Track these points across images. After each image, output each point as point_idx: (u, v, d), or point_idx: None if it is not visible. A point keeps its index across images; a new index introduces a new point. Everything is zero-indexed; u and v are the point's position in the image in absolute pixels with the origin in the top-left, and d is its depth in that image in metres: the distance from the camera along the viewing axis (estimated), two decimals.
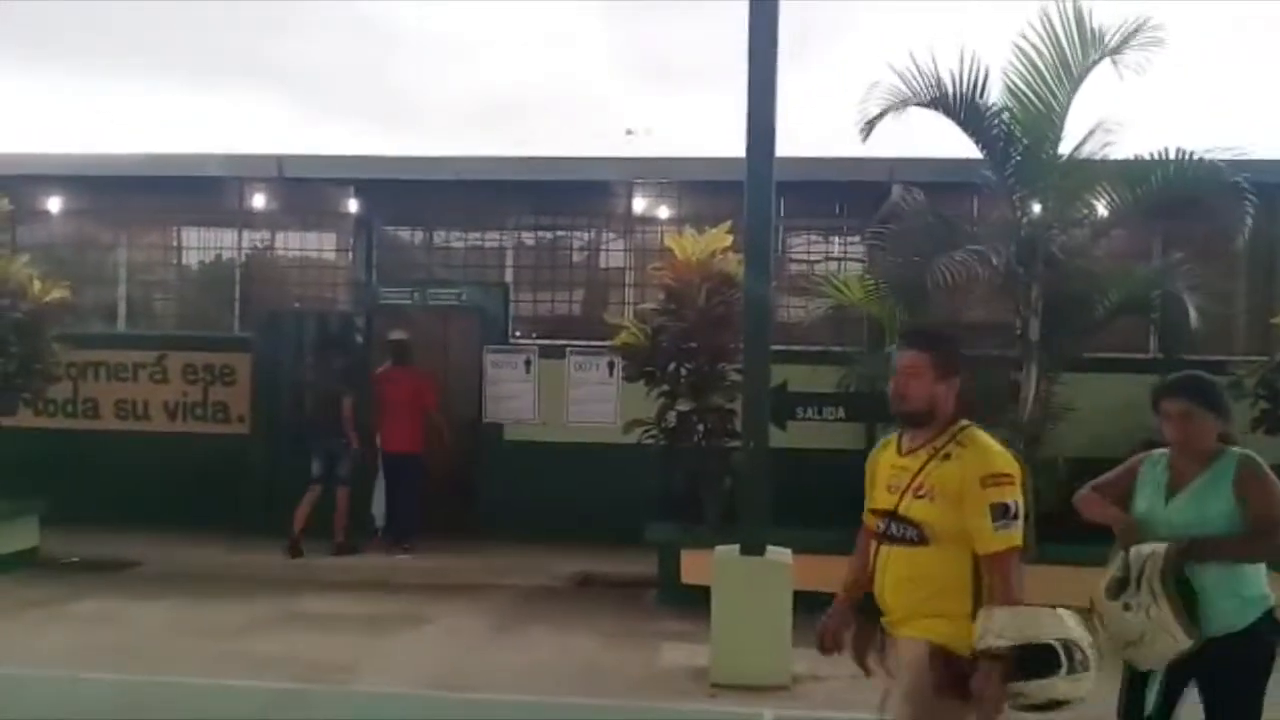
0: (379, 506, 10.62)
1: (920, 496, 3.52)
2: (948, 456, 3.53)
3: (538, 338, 11.35)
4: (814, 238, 11.66)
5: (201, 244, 12.37)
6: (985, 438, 3.59)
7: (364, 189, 11.30)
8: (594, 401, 10.75)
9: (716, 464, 8.47)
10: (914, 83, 8.34)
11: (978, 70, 8.28)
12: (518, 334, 11.39)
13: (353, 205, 11.48)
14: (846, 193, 10.72)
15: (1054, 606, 3.44)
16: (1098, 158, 8.42)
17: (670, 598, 8.27)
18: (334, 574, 9.41)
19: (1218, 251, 9.20)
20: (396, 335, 10.55)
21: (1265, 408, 8.69)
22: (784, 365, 10.08)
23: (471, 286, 11.36)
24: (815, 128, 13.60)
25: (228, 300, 11.80)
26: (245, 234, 11.86)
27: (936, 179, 9.51)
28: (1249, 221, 7.97)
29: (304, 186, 11.33)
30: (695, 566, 7.57)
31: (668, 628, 7.70)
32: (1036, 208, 8.62)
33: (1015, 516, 3.42)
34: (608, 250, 11.76)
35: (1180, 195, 8.35)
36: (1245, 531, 3.70)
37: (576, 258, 11.67)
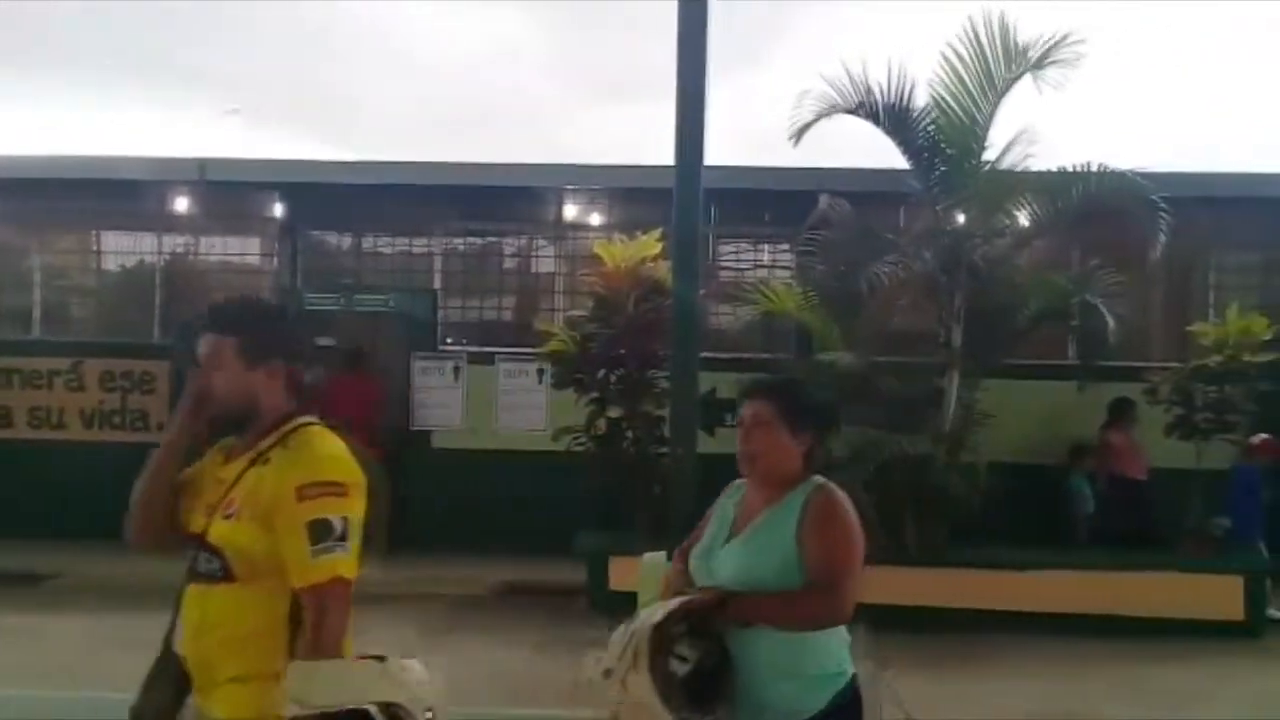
0: None
1: (228, 516, 2.62)
2: (267, 461, 2.63)
3: (467, 344, 11.26)
4: (745, 246, 11.74)
5: (121, 248, 12.09)
6: (323, 436, 2.70)
7: (289, 193, 11.13)
8: (523, 409, 10.69)
9: (646, 471, 8.47)
10: (844, 91, 8.48)
11: (905, 80, 8.46)
12: (449, 340, 11.28)
13: (277, 209, 11.30)
14: (777, 201, 10.81)
15: (379, 658, 2.58)
16: (1020, 168, 8.61)
17: (600, 605, 8.25)
18: None
19: (1135, 262, 9.44)
20: (331, 342, 10.46)
21: (1180, 414, 8.92)
22: (714, 372, 10.11)
23: (399, 292, 11.23)
24: (757, 134, 13.70)
25: (148, 306, 11.53)
26: (166, 238, 11.60)
27: (864, 188, 9.64)
28: (1164, 234, 8.21)
29: (227, 190, 11.13)
30: (624, 573, 7.56)
31: (597, 636, 7.63)
32: (960, 217, 8.80)
33: (344, 538, 2.57)
34: (538, 257, 11.73)
35: (1099, 207, 8.58)
36: (797, 588, 2.80)
37: (506, 264, 11.63)
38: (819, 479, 2.92)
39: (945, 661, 7.38)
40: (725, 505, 3.09)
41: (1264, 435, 8.97)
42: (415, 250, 11.71)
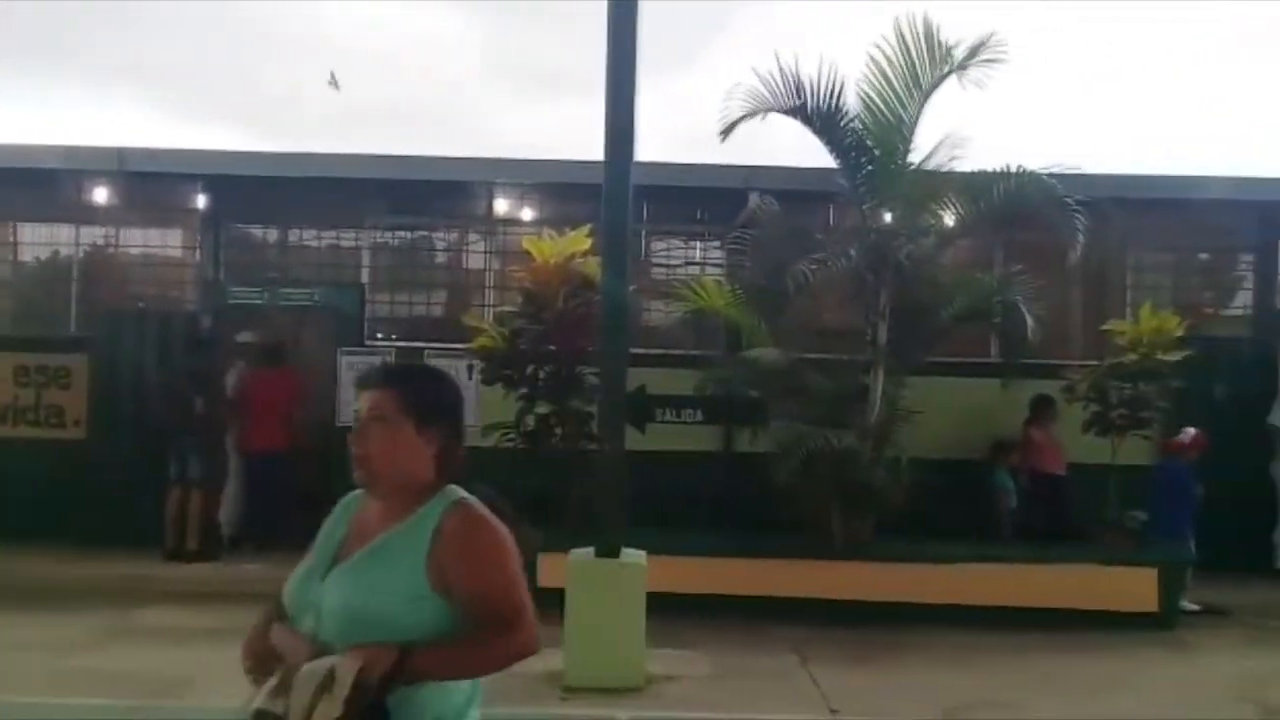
0: (230, 512, 10.29)
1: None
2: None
3: (396, 339, 11.13)
4: (676, 243, 11.76)
5: (37, 239, 11.74)
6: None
7: (212, 185, 10.92)
8: None
9: (575, 467, 8.45)
10: (775, 89, 8.53)
11: (835, 80, 8.54)
12: (379, 335, 11.14)
13: (200, 201, 11.06)
14: (708, 199, 10.85)
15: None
16: (945, 169, 8.75)
17: None
18: (178, 584, 9.03)
19: (1055, 262, 9.64)
20: (252, 336, 10.34)
21: (1096, 410, 9.14)
22: (644, 369, 10.15)
23: (326, 287, 11.06)
24: (693, 132, 13.74)
25: (64, 299, 11.22)
26: (84, 230, 11.30)
27: (795, 187, 9.72)
28: (1082, 235, 8.41)
29: (147, 181, 10.86)
30: (552, 570, 7.49)
31: None
32: (887, 216, 8.91)
33: None
34: (468, 252, 11.63)
35: (1020, 208, 8.76)
36: (463, 629, 2.29)
37: (435, 259, 11.51)
38: (455, 491, 2.41)
39: (869, 654, 7.48)
40: (335, 522, 2.54)
41: (1191, 430, 9.21)
42: (343, 244, 11.55)
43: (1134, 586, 8.54)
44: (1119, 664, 7.48)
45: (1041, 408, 9.96)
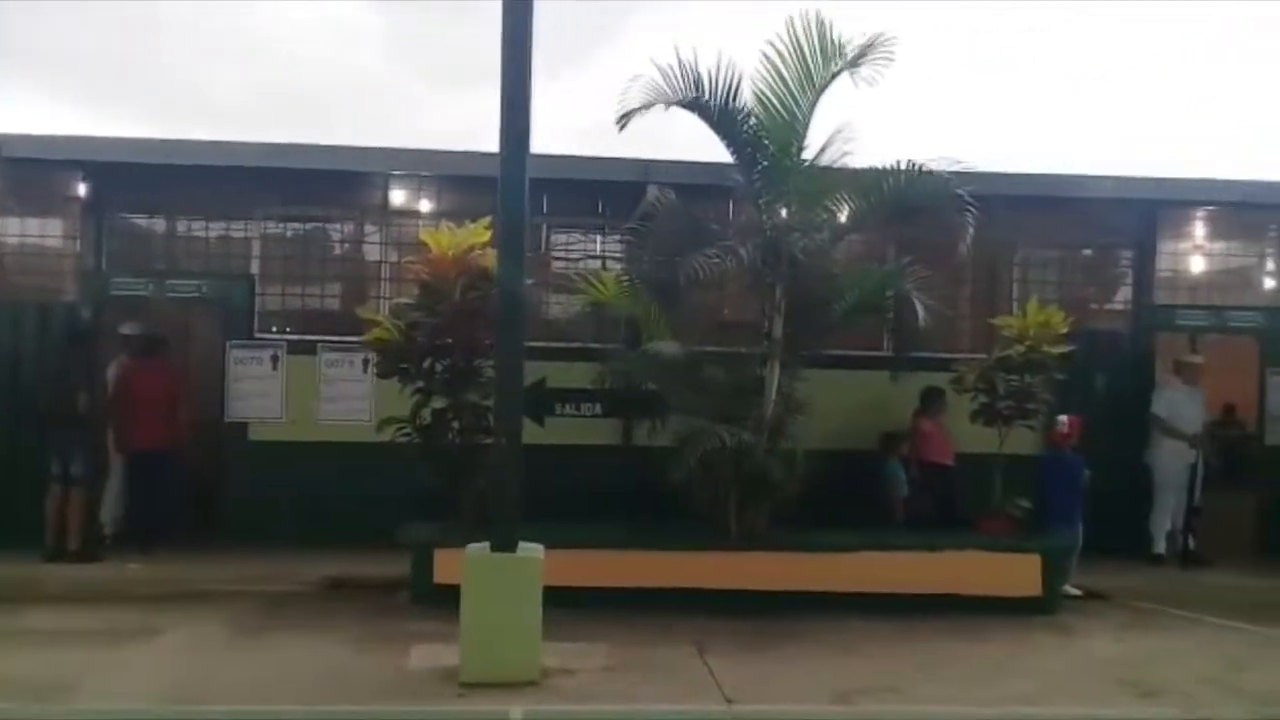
0: (112, 511, 9.97)
1: None
2: None
3: (289, 332, 10.89)
4: (578, 236, 11.72)
5: None
6: None
7: (96, 172, 10.51)
8: (347, 399, 10.43)
9: (472, 461, 8.37)
10: (673, 82, 8.55)
11: (732, 75, 8.58)
12: (273, 328, 10.89)
13: (81, 189, 10.64)
14: (609, 192, 10.83)
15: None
16: (837, 165, 8.88)
17: (424, 598, 8.13)
18: (60, 585, 8.73)
19: (946, 258, 9.86)
20: (132, 328, 10.02)
21: (984, 401, 9.39)
22: (544, 362, 10.14)
23: (214, 278, 10.78)
24: (600, 126, 13.64)
25: None
26: None
27: (697, 181, 9.77)
28: (971, 230, 8.63)
29: (25, 168, 10.40)
30: (448, 566, 7.47)
31: (419, 629, 7.55)
32: (782, 211, 9.01)
33: None
34: (363, 243, 11.40)
35: (910, 204, 8.94)
36: None
37: (330, 250, 11.25)
38: None
39: (765, 643, 7.57)
40: None
41: (1065, 418, 9.52)
42: (232, 234, 11.21)
43: (1018, 572, 8.80)
44: (1004, 648, 7.69)
45: (931, 399, 10.22)
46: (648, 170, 10.00)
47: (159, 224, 11.52)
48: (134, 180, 10.53)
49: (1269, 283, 12.05)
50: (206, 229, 11.28)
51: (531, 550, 6.64)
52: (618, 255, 11.10)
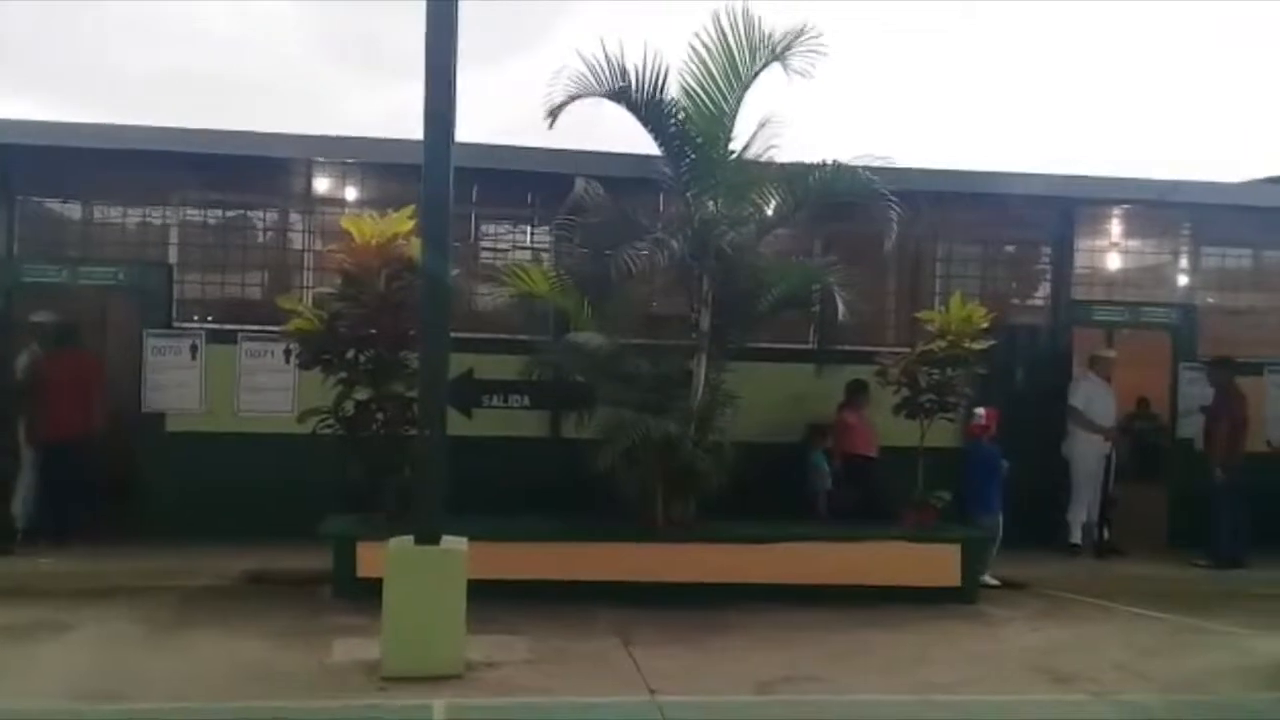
0: (24, 505, 9.69)
1: None
2: None
3: (210, 321, 10.66)
4: (508, 227, 11.63)
5: None
6: None
7: (4, 156, 10.16)
8: (268, 390, 10.25)
9: (396, 453, 8.27)
10: (600, 74, 8.52)
11: (659, 67, 8.58)
12: (194, 317, 10.64)
13: None
14: (539, 183, 10.76)
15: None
16: (764, 159, 8.93)
17: (346, 592, 8.03)
18: None
19: (871, 253, 9.97)
20: (44, 317, 9.78)
21: (906, 395, 9.51)
22: (471, 353, 10.06)
23: (130, 265, 10.50)
24: (531, 116, 13.52)
25: None
26: None
27: (623, 173, 9.74)
28: (894, 226, 8.74)
29: None
30: (372, 559, 7.39)
31: (342, 623, 7.46)
32: (710, 204, 9.04)
33: None
34: (286, 231, 11.20)
35: (836, 199, 9.03)
36: None
37: (251, 238, 11.02)
38: None
39: (689, 634, 7.61)
40: None
41: (982, 410, 9.71)
42: (150, 221, 10.93)
43: (938, 562, 8.97)
44: (923, 637, 7.83)
45: (855, 392, 10.35)
46: (577, 162, 9.95)
47: (74, 209, 11.19)
48: (47, 164, 10.21)
49: (1182, 279, 12.37)
50: (124, 215, 10.97)
51: (455, 543, 6.59)
52: (548, 247, 11.05)
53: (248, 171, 10.47)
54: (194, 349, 10.33)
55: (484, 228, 11.56)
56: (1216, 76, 37.36)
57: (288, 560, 8.94)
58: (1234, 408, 10.77)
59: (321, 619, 7.69)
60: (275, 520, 8.97)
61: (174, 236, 10.67)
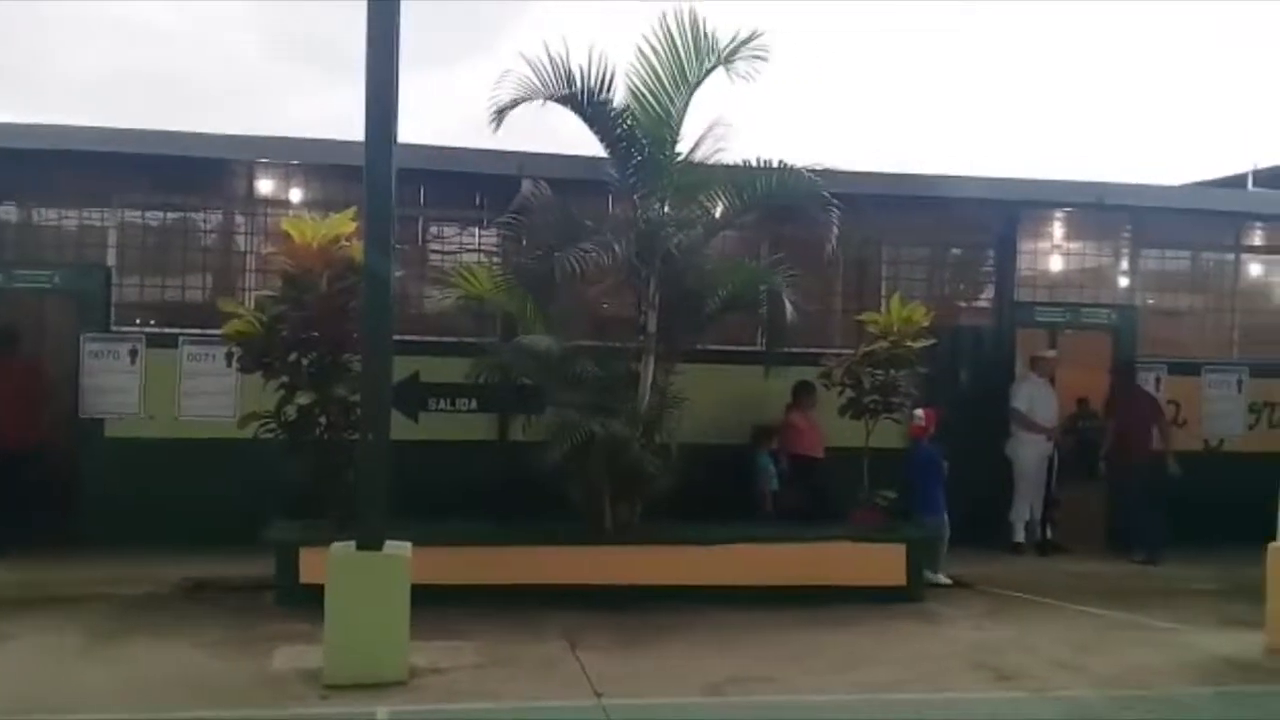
0: None
1: None
2: None
3: (152, 325, 10.47)
4: (456, 229, 11.55)
5: None
6: None
7: None
8: (209, 394, 10.09)
9: (339, 458, 8.18)
10: (545, 76, 8.49)
11: (605, 70, 8.56)
12: (137, 320, 10.45)
13: None
14: (487, 185, 10.70)
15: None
16: (711, 161, 8.96)
17: (289, 599, 7.92)
18: None
19: (817, 255, 10.02)
20: None
21: (851, 396, 9.58)
22: (417, 356, 9.98)
23: (68, 268, 10.31)
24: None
25: None
26: None
27: (571, 175, 9.73)
28: (837, 228, 8.80)
29: None
30: (315, 565, 7.28)
31: (284, 630, 7.36)
32: (658, 206, 9.04)
33: None
34: (229, 233, 11.03)
35: (783, 201, 9.07)
36: None
37: (193, 240, 10.82)
38: None
39: (637, 637, 7.60)
40: None
41: (921, 411, 9.80)
42: (88, 223, 10.71)
43: (884, 562, 9.03)
44: (870, 636, 7.87)
45: (801, 393, 10.40)
46: (524, 164, 9.91)
47: (9, 212, 10.95)
48: None
49: (1122, 281, 12.58)
50: (60, 217, 10.76)
51: (399, 548, 6.52)
52: (496, 249, 10.99)
53: (189, 173, 10.28)
54: (133, 353, 10.14)
55: (432, 230, 11.48)
56: (1176, 77, 38.16)
57: (229, 567, 8.80)
58: (1132, 410, 11.12)
59: (263, 627, 7.58)
60: (217, 527, 8.84)
61: (113, 239, 10.46)
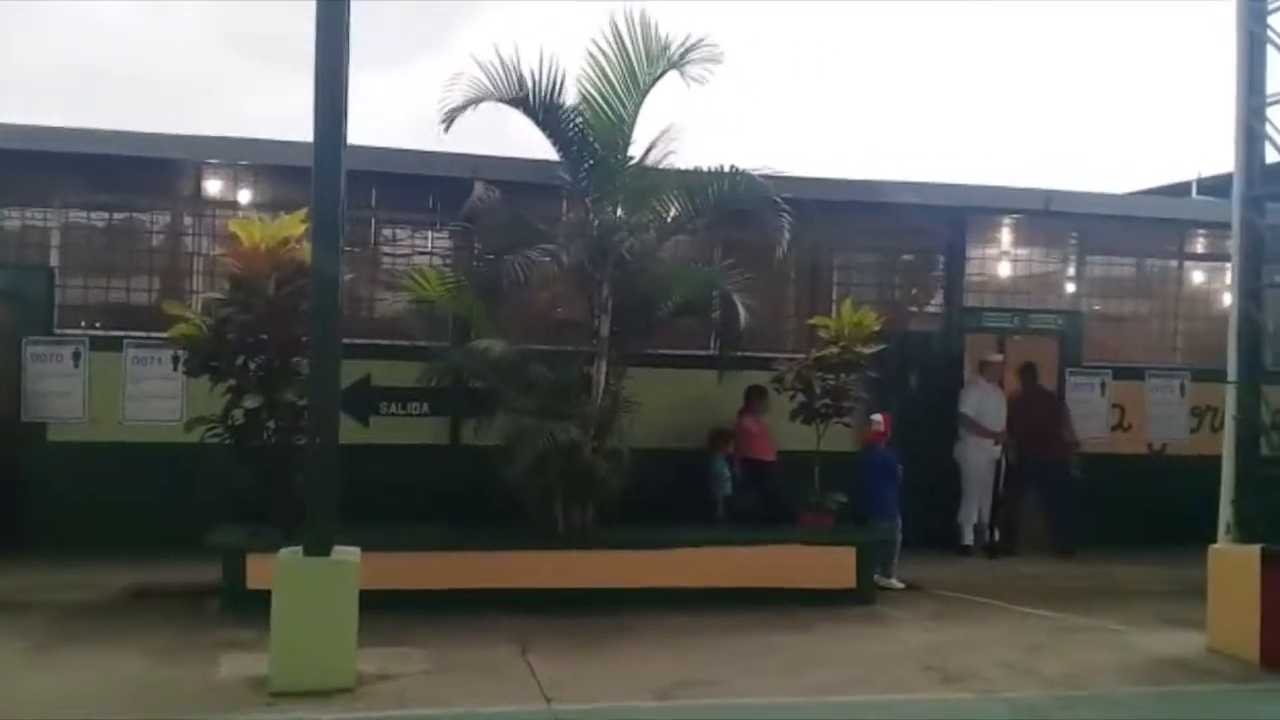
0: None
1: None
2: None
3: (97, 327, 10.29)
4: (408, 231, 11.46)
5: None
6: None
7: None
8: (155, 398, 9.93)
9: (287, 462, 8.08)
10: (496, 79, 8.47)
11: (556, 72, 8.57)
12: (81, 323, 10.26)
13: None
14: (440, 187, 10.63)
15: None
16: (663, 165, 8.97)
17: (235, 605, 7.81)
18: None
19: (769, 260, 10.07)
20: None
21: (802, 400, 9.63)
22: (368, 360, 9.90)
23: (9, 270, 10.10)
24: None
25: None
26: None
27: (524, 178, 9.70)
28: (788, 233, 8.85)
29: None
30: (261, 571, 7.20)
31: (229, 637, 7.26)
32: (610, 210, 9.05)
33: None
34: (175, 235, 10.85)
35: (734, 206, 9.11)
36: None
37: (139, 241, 10.65)
38: None
39: (589, 641, 7.59)
40: None
41: (878, 416, 9.89)
42: (30, 223, 10.51)
43: (835, 565, 9.10)
44: (820, 638, 7.93)
45: (754, 397, 10.44)
46: (478, 166, 9.87)
47: None
48: None
49: (1069, 287, 12.76)
50: (1, 217, 10.54)
51: (347, 553, 6.46)
52: (449, 252, 10.93)
53: (135, 172, 10.12)
54: (77, 356, 9.96)
55: (384, 232, 11.38)
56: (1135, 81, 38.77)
57: (175, 573, 8.67)
58: (1035, 410, 11.45)
59: (209, 633, 7.48)
60: (162, 532, 8.72)
61: (56, 239, 10.27)
